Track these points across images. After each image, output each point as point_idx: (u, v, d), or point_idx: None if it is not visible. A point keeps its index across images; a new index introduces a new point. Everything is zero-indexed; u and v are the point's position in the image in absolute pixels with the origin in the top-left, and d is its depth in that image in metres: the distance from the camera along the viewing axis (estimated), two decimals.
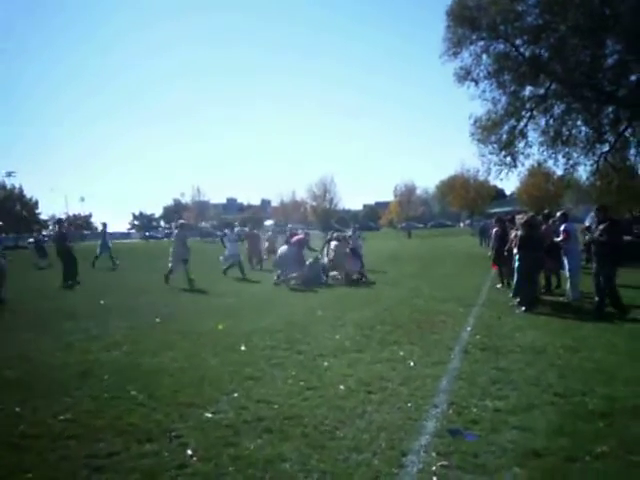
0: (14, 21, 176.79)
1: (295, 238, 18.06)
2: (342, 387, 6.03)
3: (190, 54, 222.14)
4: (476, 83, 32.21)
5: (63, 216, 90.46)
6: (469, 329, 9.20)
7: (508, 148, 32.59)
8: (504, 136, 32.55)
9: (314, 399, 5.63)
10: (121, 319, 10.65)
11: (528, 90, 32.54)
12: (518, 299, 11.44)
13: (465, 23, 30.77)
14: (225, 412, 5.28)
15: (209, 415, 5.20)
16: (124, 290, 15.92)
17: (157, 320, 10.48)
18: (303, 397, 5.71)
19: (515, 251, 11.80)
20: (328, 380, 6.29)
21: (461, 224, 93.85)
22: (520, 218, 12.41)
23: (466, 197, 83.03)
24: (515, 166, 33.06)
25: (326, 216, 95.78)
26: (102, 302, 13.05)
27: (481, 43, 31.51)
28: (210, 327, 9.64)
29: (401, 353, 7.55)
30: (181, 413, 5.26)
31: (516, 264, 11.65)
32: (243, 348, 7.95)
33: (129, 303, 13.01)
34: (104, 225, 26.06)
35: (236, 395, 5.78)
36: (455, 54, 31.87)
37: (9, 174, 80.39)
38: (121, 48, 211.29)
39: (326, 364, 7.02)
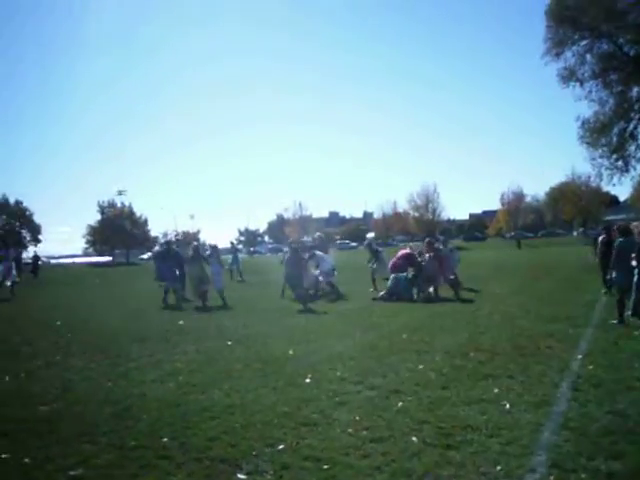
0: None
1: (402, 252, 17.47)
2: (414, 439, 4.83)
3: (297, 65, 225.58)
4: (581, 84, 30.84)
5: (172, 233, 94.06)
6: (580, 357, 7.70)
7: (619, 152, 30.63)
8: (614, 139, 30.70)
9: (376, 457, 4.47)
10: (193, 342, 10.01)
11: (635, 91, 30.40)
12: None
13: (566, 23, 29.52)
14: (261, 473, 4.24)
15: (241, 477, 4.19)
16: (210, 309, 15.46)
17: (228, 343, 9.70)
18: (362, 453, 4.56)
19: (634, 264, 10.04)
20: (399, 428, 5.11)
21: (574, 233, 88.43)
22: (636, 226, 10.71)
23: (578, 204, 78.50)
24: (627, 170, 30.82)
25: (429, 227, 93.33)
26: (181, 322, 12.49)
27: (584, 43, 30.18)
28: (281, 352, 8.73)
29: (495, 390, 6.23)
30: (208, 472, 4.27)
31: (635, 278, 9.94)
32: (308, 381, 6.91)
33: (210, 323, 12.39)
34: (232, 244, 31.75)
35: (282, 447, 4.73)
36: (557, 54, 30.65)
37: (120, 192, 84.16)
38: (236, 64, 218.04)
39: (400, 404, 5.83)
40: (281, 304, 15.57)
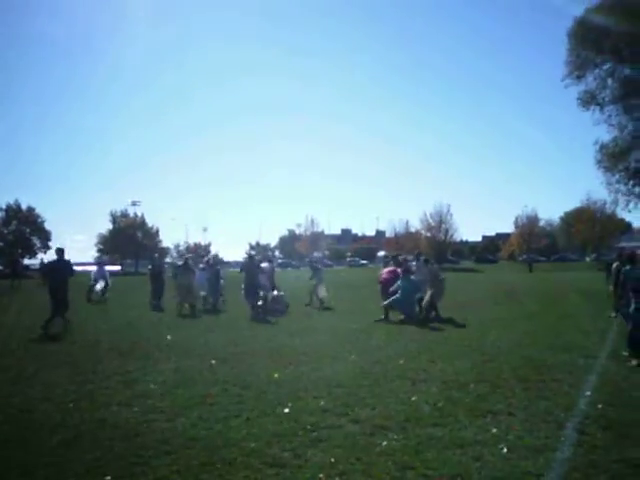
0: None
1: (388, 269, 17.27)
2: None
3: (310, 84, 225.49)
4: (601, 107, 30.78)
5: (183, 245, 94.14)
6: (589, 393, 6.99)
7: (637, 178, 30.07)
8: (632, 164, 30.05)
9: None
10: (176, 359, 9.40)
11: None
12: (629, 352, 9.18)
13: (588, 45, 29.28)
14: None
15: None
16: (209, 322, 14.93)
17: (212, 362, 9.07)
18: None
19: (631, 295, 9.41)
20: (378, 474, 4.43)
21: (587, 258, 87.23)
22: None
23: (592, 230, 77.66)
24: None
25: (441, 248, 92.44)
26: (169, 337, 11.87)
27: (606, 67, 29.96)
28: (265, 375, 8.08)
29: (493, 430, 5.54)
30: None
31: (631, 309, 9.31)
32: (286, 411, 6.24)
33: (198, 339, 11.75)
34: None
35: None
36: (579, 77, 30.60)
37: (134, 203, 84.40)
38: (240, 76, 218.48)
39: (385, 444, 5.15)
40: (278, 322, 14.92)
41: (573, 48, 30.49)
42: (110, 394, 7.04)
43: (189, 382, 7.70)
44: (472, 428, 5.64)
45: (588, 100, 30.93)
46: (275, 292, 18.12)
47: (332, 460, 4.73)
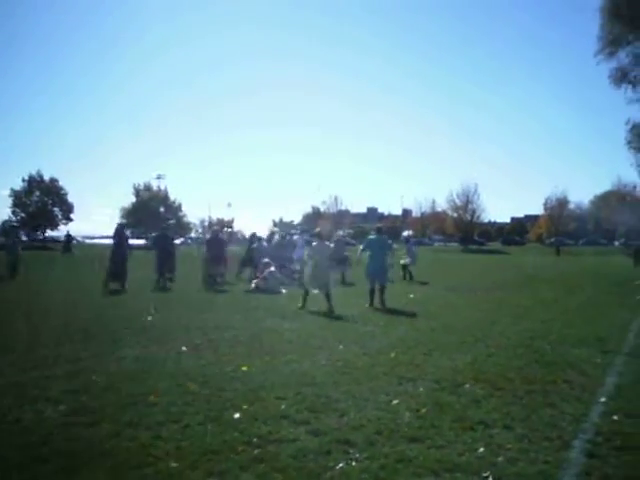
0: None
1: None
2: None
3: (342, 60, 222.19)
4: (634, 86, 28.99)
5: (206, 220, 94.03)
6: (603, 399, 5.93)
7: None
8: None
9: None
10: (144, 344, 8.52)
11: None
12: None
13: (621, 21, 27.59)
14: None
15: None
16: (207, 301, 14.11)
17: (183, 349, 8.14)
18: None
19: None
20: None
21: (615, 243, 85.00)
22: None
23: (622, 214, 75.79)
24: None
25: (467, 229, 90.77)
26: (150, 318, 10.96)
27: (639, 43, 28.04)
28: (234, 367, 7.08)
29: (481, 450, 4.49)
30: None
31: None
32: (237, 416, 5.22)
33: (182, 321, 10.79)
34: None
35: None
36: (611, 54, 28.74)
37: (159, 177, 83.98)
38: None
39: (340, 467, 4.12)
40: (276, 302, 13.96)
41: (605, 23, 28.96)
42: (45, 386, 6.07)
43: (143, 373, 6.72)
44: (456, 445, 4.60)
45: (620, 78, 29.47)
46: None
47: None
